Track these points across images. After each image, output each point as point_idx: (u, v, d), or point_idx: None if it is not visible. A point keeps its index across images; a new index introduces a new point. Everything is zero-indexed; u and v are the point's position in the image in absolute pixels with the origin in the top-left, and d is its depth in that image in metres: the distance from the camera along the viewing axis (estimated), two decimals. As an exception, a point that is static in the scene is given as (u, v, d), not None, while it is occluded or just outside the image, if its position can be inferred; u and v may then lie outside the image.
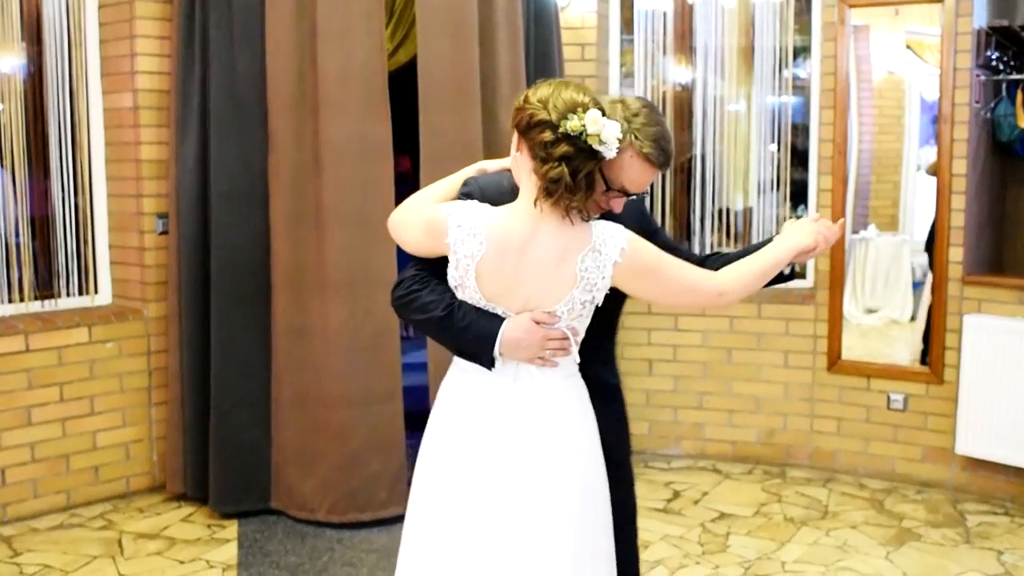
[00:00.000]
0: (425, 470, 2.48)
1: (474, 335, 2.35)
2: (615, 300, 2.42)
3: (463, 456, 2.40)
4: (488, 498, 2.36)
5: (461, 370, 2.47)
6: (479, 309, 2.36)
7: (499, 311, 2.36)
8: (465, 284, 2.36)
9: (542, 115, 2.24)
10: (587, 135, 2.21)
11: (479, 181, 2.49)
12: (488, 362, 2.36)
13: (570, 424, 2.41)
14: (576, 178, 2.22)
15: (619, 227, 2.32)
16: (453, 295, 2.38)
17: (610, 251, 2.28)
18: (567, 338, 2.35)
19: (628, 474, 2.69)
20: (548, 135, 2.22)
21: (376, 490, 4.46)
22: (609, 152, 2.24)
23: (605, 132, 2.22)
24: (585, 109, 2.23)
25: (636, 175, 2.31)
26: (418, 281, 2.41)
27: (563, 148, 2.22)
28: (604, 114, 2.24)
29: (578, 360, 2.42)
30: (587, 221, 2.29)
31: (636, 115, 2.31)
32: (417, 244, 2.42)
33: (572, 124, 2.21)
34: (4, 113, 4.63)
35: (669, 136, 2.35)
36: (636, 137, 2.29)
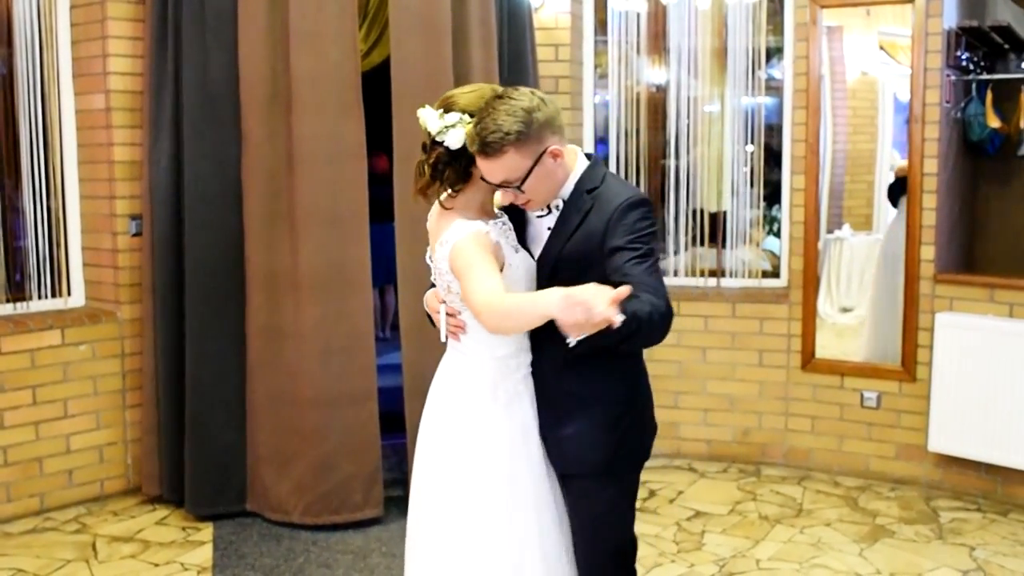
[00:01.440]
0: None
1: None
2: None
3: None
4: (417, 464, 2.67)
5: None
6: None
7: None
8: None
9: None
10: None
11: None
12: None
13: (441, 399, 2.60)
14: (422, 167, 2.44)
15: (470, 225, 2.40)
16: None
17: (447, 248, 2.41)
18: (439, 313, 2.53)
19: (585, 488, 2.58)
20: None
21: (350, 492, 4.44)
22: (451, 142, 2.39)
23: (428, 125, 2.42)
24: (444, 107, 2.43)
25: (479, 165, 2.41)
26: None
27: (423, 140, 2.46)
28: (469, 112, 2.38)
29: (455, 339, 2.57)
30: (447, 209, 2.46)
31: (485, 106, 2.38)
32: None
33: (421, 120, 2.44)
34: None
35: (486, 122, 2.32)
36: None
